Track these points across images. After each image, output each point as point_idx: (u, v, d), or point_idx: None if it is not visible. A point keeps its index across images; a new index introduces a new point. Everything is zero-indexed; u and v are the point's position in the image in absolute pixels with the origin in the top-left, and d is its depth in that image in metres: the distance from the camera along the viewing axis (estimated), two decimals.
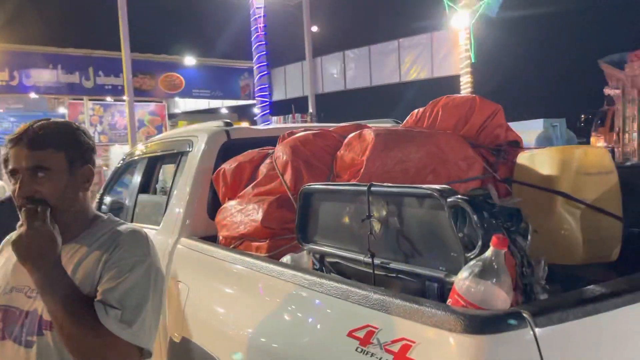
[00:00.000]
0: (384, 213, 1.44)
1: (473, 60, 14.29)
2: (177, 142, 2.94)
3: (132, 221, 3.09)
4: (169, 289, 2.26)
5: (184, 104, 27.08)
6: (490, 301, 1.10)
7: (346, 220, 1.59)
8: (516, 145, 2.54)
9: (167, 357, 2.25)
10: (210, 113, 27.21)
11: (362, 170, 1.91)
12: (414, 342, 1.14)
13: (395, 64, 16.53)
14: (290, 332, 1.52)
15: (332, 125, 2.66)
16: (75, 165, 1.37)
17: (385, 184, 1.46)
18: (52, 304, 1.21)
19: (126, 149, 18.55)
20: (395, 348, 1.16)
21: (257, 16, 10.32)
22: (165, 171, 3.24)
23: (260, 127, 3.57)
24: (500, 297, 1.11)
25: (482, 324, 1.05)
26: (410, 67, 16.14)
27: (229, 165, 2.37)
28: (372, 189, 1.45)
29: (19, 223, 1.26)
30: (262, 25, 10.38)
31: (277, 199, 2.00)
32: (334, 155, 2.11)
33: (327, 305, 1.42)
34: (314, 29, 22.08)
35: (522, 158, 2.29)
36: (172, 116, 27.12)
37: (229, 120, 2.74)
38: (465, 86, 14.30)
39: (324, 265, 1.73)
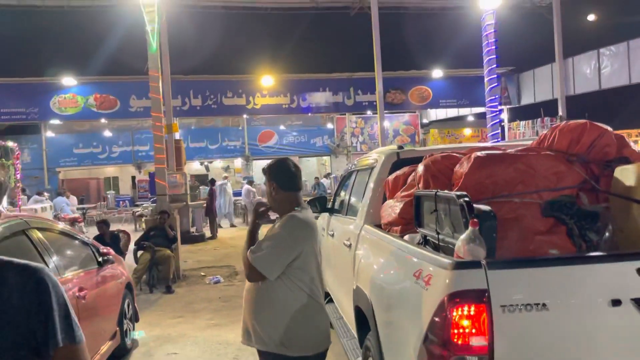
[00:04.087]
0: (442, 208, 2.42)
1: None
2: (369, 160, 4.21)
3: (346, 213, 4.50)
4: (355, 255, 3.55)
5: (435, 114, 28.51)
6: (467, 254, 2.03)
7: (430, 213, 2.60)
8: (625, 161, 3.02)
9: (352, 298, 3.51)
10: (457, 120, 27.97)
11: (462, 181, 2.83)
12: (432, 275, 2.14)
13: None
14: (392, 273, 2.62)
15: (490, 144, 3.55)
16: None
17: (442, 191, 2.43)
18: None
19: None
20: (426, 278, 2.17)
21: (487, 23, 10.87)
22: (364, 179, 4.54)
23: (421, 148, 4.58)
24: (472, 253, 2.02)
25: (458, 265, 2.00)
26: None
27: (391, 177, 3.52)
28: (437, 194, 2.44)
29: None
30: (492, 31, 10.86)
31: (410, 200, 3.06)
32: (453, 170, 3.06)
33: (409, 260, 2.48)
34: (591, 17, 20.80)
35: (617, 172, 2.86)
36: (424, 125, 28.85)
37: (402, 145, 3.88)
38: None
39: (426, 241, 2.76)
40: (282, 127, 25.83)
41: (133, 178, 25.55)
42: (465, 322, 1.95)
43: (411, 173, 3.40)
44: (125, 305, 5.12)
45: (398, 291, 2.58)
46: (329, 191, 19.35)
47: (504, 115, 23.92)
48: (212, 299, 7.24)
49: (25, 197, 15.30)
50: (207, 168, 26.25)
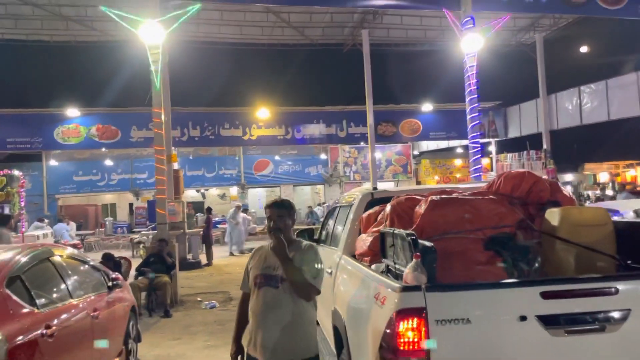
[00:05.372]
0: (398, 243, 3.02)
1: None
2: (349, 198, 4.84)
3: (330, 244, 5.09)
4: (334, 281, 4.13)
5: (426, 145, 29.30)
6: (411, 280, 2.62)
7: (390, 247, 3.20)
8: (556, 204, 3.64)
9: (332, 319, 4.08)
10: (448, 151, 28.77)
11: (419, 220, 3.45)
12: (386, 296, 2.73)
13: (634, 97, 15.60)
14: (361, 296, 3.21)
15: (450, 187, 4.19)
16: None
17: (398, 229, 3.04)
18: (290, 273, 3.10)
19: (380, 185, 21.52)
20: (382, 299, 2.76)
21: (469, 65, 11.64)
22: (345, 214, 5.16)
23: (392, 189, 5.20)
24: (415, 279, 2.61)
25: (404, 289, 2.59)
26: None
27: (365, 214, 4.14)
28: (394, 231, 3.05)
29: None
30: (474, 72, 11.63)
31: (378, 235, 3.67)
32: (414, 210, 3.68)
33: (372, 285, 3.07)
34: (584, 49, 21.73)
35: (547, 213, 3.49)
36: (415, 156, 29.64)
37: (376, 186, 4.51)
38: None
39: (388, 270, 3.35)
40: (277, 157, 26.53)
41: (130, 205, 26.08)
42: (409, 333, 2.53)
43: (381, 211, 4.02)
44: (130, 327, 5.64)
45: (363, 310, 3.17)
46: (321, 219, 19.90)
47: (492, 148, 24.77)
48: (208, 323, 7.74)
49: (26, 223, 15.80)
50: (203, 195, 26.85)
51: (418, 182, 28.32)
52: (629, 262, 3.24)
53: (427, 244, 2.77)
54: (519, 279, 2.96)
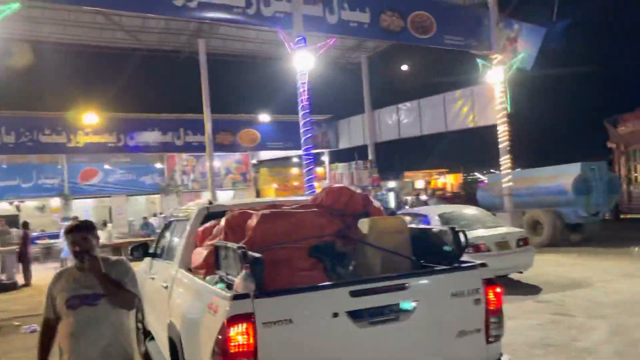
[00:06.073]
0: (230, 255, 3.30)
1: (509, 111, 15.48)
2: (186, 212, 4.98)
3: (166, 258, 5.15)
4: (170, 295, 4.23)
5: (265, 154, 30.01)
6: (241, 289, 2.91)
7: (224, 259, 3.46)
8: (366, 215, 4.22)
9: (167, 331, 4.18)
10: (285, 160, 29.90)
11: (251, 232, 3.76)
12: (219, 305, 2.97)
13: (441, 115, 18.07)
14: (195, 306, 3.41)
15: (279, 200, 4.56)
16: None
17: (231, 242, 3.32)
18: (111, 287, 3.14)
19: (218, 193, 21.42)
20: (215, 307, 3.00)
21: (301, 82, 12.41)
22: (181, 228, 5.27)
23: (227, 202, 5.52)
24: (245, 287, 2.91)
25: (234, 297, 2.87)
26: (454, 118, 17.61)
27: (201, 228, 4.33)
28: (227, 245, 3.32)
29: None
30: (305, 89, 12.43)
31: (212, 248, 3.90)
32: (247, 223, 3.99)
33: (206, 295, 3.29)
34: (404, 67, 23.96)
35: (359, 223, 4.02)
36: (255, 164, 30.17)
37: (211, 200, 4.72)
38: (503, 134, 15.47)
39: (222, 281, 3.60)
40: (106, 166, 24.89)
41: None
42: (239, 337, 2.82)
43: (216, 225, 4.25)
44: None
45: (198, 320, 3.37)
46: (158, 231, 19.24)
47: (326, 157, 26.41)
48: (29, 348, 7.11)
49: None
50: (18, 208, 24.03)
51: (257, 191, 28.87)
52: (422, 261, 3.94)
53: (256, 255, 3.09)
54: (334, 282, 3.43)
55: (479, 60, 15.32)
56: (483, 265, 3.49)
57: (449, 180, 37.90)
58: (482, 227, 9.98)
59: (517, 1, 15.58)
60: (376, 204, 4.49)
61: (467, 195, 25.25)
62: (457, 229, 3.71)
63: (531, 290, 9.10)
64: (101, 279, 3.10)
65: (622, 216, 17.39)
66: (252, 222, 3.85)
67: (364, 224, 3.96)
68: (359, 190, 4.51)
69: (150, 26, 17.31)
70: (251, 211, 4.10)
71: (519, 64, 15.50)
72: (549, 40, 15.77)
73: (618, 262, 11.22)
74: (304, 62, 12.15)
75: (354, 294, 3.03)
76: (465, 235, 3.67)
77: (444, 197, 24.40)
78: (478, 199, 17.44)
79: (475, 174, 41.71)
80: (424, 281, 3.34)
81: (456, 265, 3.55)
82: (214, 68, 18.74)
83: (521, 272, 9.82)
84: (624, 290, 8.65)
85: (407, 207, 25.97)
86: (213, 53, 18.93)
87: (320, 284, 3.24)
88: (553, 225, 14.60)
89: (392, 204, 32.06)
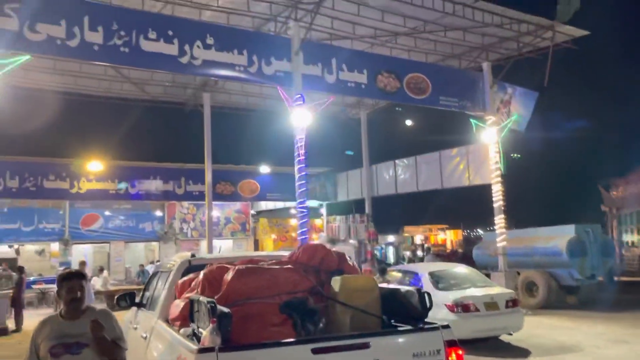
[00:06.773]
0: (202, 309, 3.45)
1: (503, 172, 15.75)
2: (170, 264, 5.15)
3: (149, 308, 5.27)
4: (148, 345, 4.34)
5: (265, 204, 30.23)
6: (208, 342, 3.05)
7: (196, 312, 3.61)
8: (340, 273, 4.38)
9: None
10: (284, 210, 30.08)
11: (226, 287, 3.92)
12: (186, 357, 3.11)
13: (437, 173, 18.38)
14: (167, 358, 3.54)
15: (258, 255, 4.74)
16: None
17: (202, 296, 3.48)
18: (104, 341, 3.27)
19: (217, 242, 21.50)
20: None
21: (298, 137, 12.78)
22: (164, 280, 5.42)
23: (208, 256, 5.68)
24: (211, 341, 3.05)
25: (200, 350, 3.01)
26: (450, 175, 17.91)
27: (180, 280, 4.50)
28: (199, 299, 3.47)
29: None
30: (302, 144, 12.78)
31: (188, 301, 4.05)
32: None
33: (177, 347, 3.43)
34: (409, 122, 24.49)
35: (332, 281, 4.18)
36: (254, 215, 30.32)
37: (194, 253, 4.91)
38: (497, 194, 15.67)
39: (194, 334, 3.73)
40: (107, 212, 25.10)
41: None
42: None
43: (195, 278, 4.41)
44: None
45: None
46: None
47: (324, 210, 26.59)
48: None
49: None
50: (17, 252, 24.09)
51: (256, 241, 28.94)
52: (392, 320, 4.06)
53: (225, 309, 3.25)
54: (301, 338, 3.56)
55: (472, 121, 15.74)
56: (445, 327, 3.62)
57: (449, 237, 37.83)
58: (472, 286, 10.03)
59: (510, 66, 16.15)
60: (351, 262, 4.66)
61: (464, 252, 25.21)
62: (423, 291, 3.86)
63: (520, 353, 9.05)
64: (95, 329, 3.21)
65: (615, 278, 17.33)
66: (228, 276, 4.02)
67: (335, 282, 4.12)
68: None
69: (157, 79, 17.96)
70: (229, 265, 4.28)
71: (512, 125, 15.92)
72: (542, 104, 16.26)
73: (610, 327, 11.15)
74: (301, 118, 12.56)
75: (316, 351, 3.16)
76: (430, 297, 3.81)
77: (440, 255, 24.34)
78: (474, 258, 17.45)
79: (478, 230, 41.72)
80: (386, 341, 3.47)
81: (420, 326, 3.68)
82: (217, 120, 19.30)
83: (511, 334, 9.79)
84: (611, 356, 8.60)
85: (404, 262, 25.91)
86: (217, 106, 19.53)
87: (284, 340, 3.37)
88: (548, 286, 14.55)
89: (391, 258, 31.97)
